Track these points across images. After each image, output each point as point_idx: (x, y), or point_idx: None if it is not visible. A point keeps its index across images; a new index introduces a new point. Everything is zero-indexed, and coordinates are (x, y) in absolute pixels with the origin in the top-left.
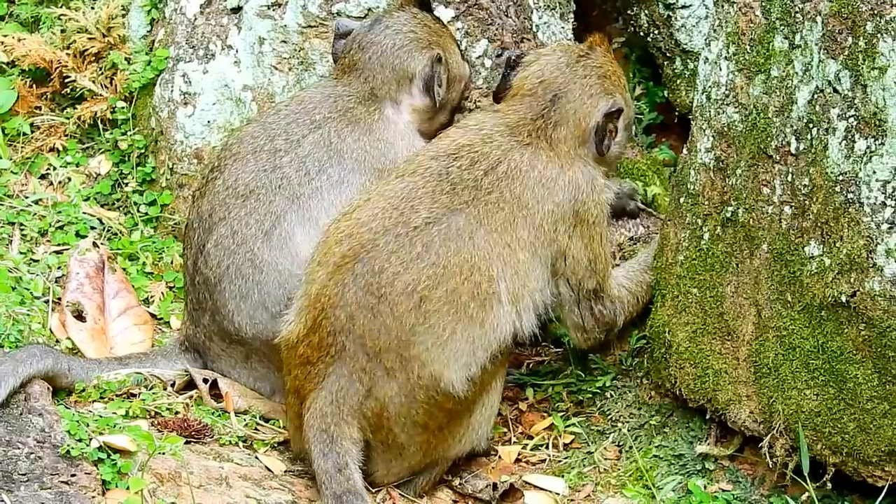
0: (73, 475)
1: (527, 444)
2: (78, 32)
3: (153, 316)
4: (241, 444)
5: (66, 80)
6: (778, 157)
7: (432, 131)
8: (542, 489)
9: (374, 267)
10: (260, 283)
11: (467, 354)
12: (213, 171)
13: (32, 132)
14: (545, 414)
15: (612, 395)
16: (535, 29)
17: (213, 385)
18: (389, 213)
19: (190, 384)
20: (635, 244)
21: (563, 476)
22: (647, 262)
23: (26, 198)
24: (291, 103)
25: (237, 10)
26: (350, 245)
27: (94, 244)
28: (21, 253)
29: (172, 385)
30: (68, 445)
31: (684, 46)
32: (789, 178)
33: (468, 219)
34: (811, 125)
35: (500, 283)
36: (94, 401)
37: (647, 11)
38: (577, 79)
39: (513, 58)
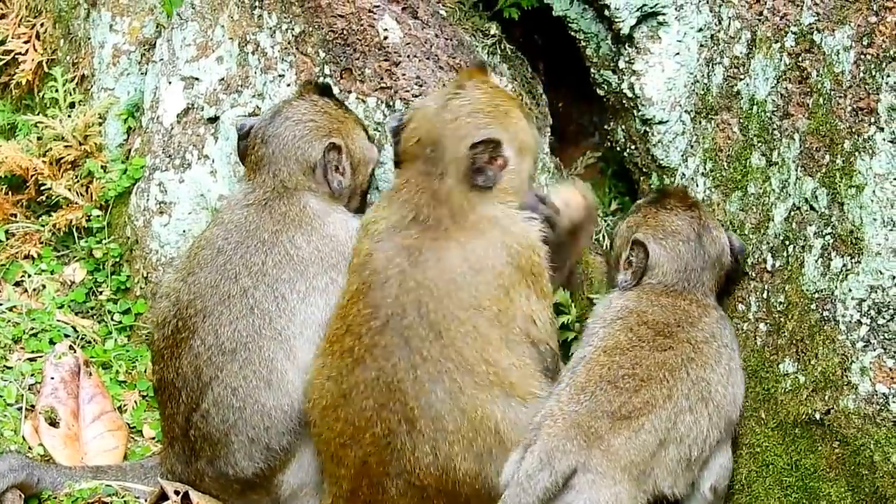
0: None
1: None
2: (54, 140)
3: (126, 424)
4: None
5: (42, 188)
6: (754, 274)
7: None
8: None
9: None
10: (269, 427)
11: None
12: (180, 331)
13: (7, 239)
14: None
15: None
16: None
17: (185, 497)
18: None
19: (162, 497)
20: None
21: None
22: None
23: (0, 304)
24: (227, 233)
25: (214, 119)
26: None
27: (71, 348)
28: None
29: (145, 501)
30: None
31: (661, 162)
32: (765, 295)
33: None
34: (787, 242)
35: None
36: None
37: (623, 127)
38: (447, 124)
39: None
